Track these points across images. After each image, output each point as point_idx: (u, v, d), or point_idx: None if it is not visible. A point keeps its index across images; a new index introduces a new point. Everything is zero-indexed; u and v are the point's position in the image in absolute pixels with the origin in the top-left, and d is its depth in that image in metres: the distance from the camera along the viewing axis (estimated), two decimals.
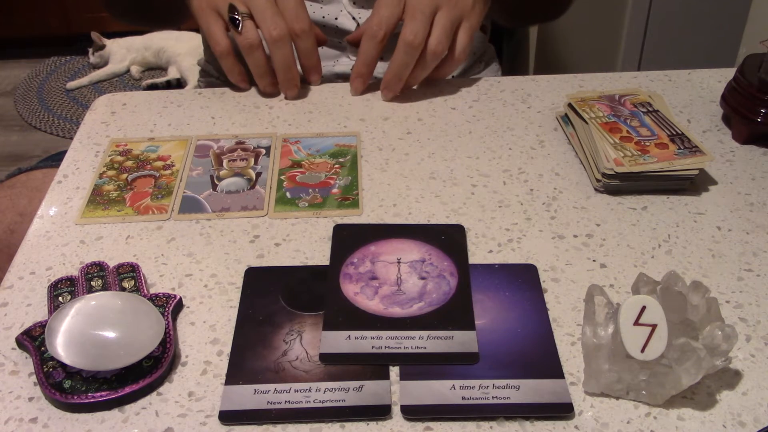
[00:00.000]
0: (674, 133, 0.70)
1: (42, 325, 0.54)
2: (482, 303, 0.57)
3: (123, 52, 2.78)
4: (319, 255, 0.62)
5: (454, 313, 0.56)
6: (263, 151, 0.74)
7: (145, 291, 0.57)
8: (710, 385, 0.50)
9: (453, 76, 0.95)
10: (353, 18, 0.87)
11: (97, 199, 0.68)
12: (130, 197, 0.68)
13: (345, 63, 0.90)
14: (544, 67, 1.80)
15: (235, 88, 0.83)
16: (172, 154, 0.74)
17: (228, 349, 0.53)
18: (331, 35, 0.89)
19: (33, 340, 0.53)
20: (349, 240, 0.62)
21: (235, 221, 0.65)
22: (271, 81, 0.79)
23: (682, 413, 0.49)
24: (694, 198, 0.68)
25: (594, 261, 0.61)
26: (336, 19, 0.87)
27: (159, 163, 0.72)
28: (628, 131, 0.70)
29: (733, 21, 1.50)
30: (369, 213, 0.66)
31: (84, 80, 2.71)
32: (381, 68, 0.90)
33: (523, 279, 0.59)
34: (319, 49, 0.89)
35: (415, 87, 0.83)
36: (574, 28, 1.71)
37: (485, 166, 0.72)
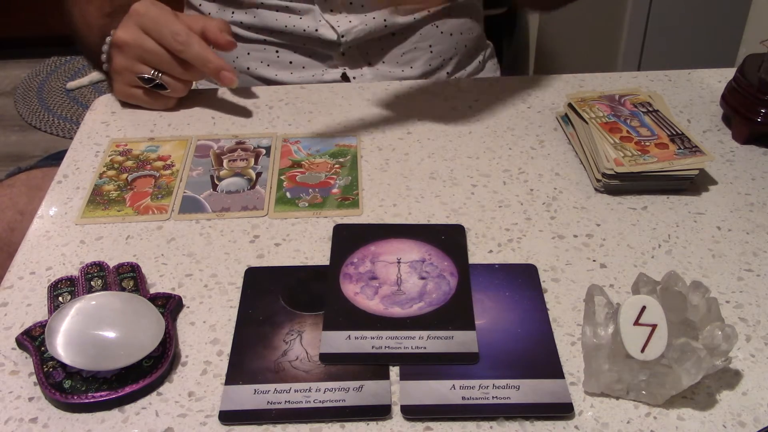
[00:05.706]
0: (674, 133, 0.70)
1: (42, 325, 0.53)
2: (482, 303, 0.57)
3: None
4: (319, 255, 0.62)
5: (454, 313, 0.56)
6: (263, 151, 0.74)
7: (145, 291, 0.57)
8: (710, 385, 0.50)
9: (452, 75, 0.95)
10: (332, 27, 0.87)
11: (97, 199, 0.68)
12: (130, 197, 0.68)
13: (333, 72, 0.90)
14: (544, 67, 1.79)
15: (236, 88, 0.83)
16: (172, 154, 0.74)
17: (228, 349, 0.53)
18: (316, 46, 0.89)
19: (33, 340, 0.53)
20: (349, 240, 0.62)
21: (235, 221, 0.65)
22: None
23: (682, 413, 0.49)
24: (694, 198, 0.68)
25: (594, 261, 0.61)
26: (316, 30, 0.87)
27: (159, 163, 0.72)
28: (628, 131, 0.70)
29: (733, 21, 1.50)
30: (369, 213, 0.66)
31: (84, 80, 2.70)
32: (369, 74, 0.90)
33: (523, 279, 0.59)
34: (307, 59, 0.89)
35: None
36: (574, 28, 1.70)
37: (485, 166, 0.72)
